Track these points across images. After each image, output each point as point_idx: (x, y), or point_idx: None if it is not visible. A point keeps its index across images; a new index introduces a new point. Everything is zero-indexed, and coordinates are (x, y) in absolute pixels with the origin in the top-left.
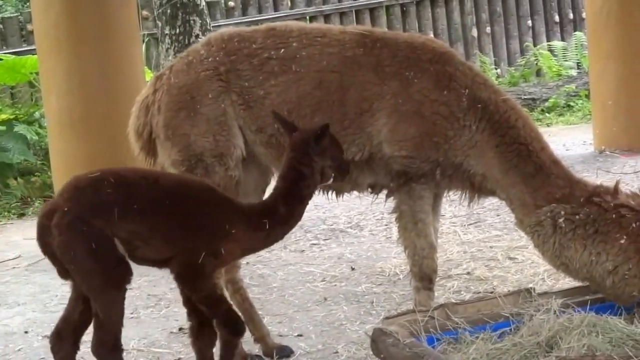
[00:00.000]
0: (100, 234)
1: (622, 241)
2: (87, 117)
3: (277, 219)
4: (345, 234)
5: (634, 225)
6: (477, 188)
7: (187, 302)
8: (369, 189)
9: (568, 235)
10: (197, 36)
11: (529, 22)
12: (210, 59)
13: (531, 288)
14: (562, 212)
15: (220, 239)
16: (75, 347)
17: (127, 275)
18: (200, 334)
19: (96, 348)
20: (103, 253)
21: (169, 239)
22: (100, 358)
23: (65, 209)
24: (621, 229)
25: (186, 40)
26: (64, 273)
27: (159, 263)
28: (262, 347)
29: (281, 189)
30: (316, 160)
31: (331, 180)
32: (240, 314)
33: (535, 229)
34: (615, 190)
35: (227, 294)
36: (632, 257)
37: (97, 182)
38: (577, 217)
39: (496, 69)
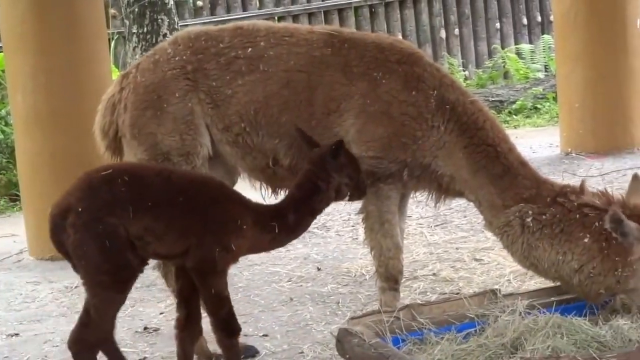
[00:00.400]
0: (114, 233)
1: (586, 240)
2: (54, 115)
3: (285, 224)
4: (311, 235)
5: (596, 224)
6: (444, 189)
7: (180, 293)
8: None
9: (536, 235)
10: (164, 35)
11: (497, 25)
12: (177, 58)
13: (497, 289)
14: (530, 212)
15: (231, 234)
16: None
17: (132, 280)
18: (186, 328)
19: (74, 343)
20: (115, 252)
21: (182, 234)
22: (77, 354)
23: (80, 208)
24: (584, 228)
25: (154, 39)
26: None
27: (169, 258)
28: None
29: (295, 198)
30: (333, 176)
31: (346, 198)
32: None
33: (504, 230)
34: (581, 190)
35: None
36: (596, 255)
37: (111, 180)
38: (543, 217)
39: (464, 70)
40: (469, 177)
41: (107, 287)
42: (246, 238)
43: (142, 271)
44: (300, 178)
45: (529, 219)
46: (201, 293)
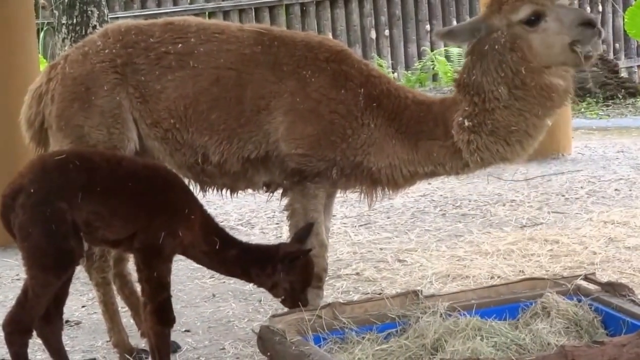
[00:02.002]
0: (61, 218)
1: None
2: None
3: (222, 253)
4: (235, 231)
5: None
6: (384, 182)
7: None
8: (264, 188)
9: (483, 129)
10: (94, 27)
11: (427, 27)
12: (106, 51)
13: (418, 290)
14: (462, 120)
15: (179, 221)
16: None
17: (71, 266)
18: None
19: (8, 323)
20: (59, 237)
21: (130, 219)
22: (9, 335)
23: (32, 190)
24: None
25: (83, 31)
26: None
27: (116, 244)
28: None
29: (247, 249)
30: (278, 273)
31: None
32: (128, 307)
33: (474, 152)
34: None
35: (114, 287)
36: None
37: (63, 165)
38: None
39: (393, 72)
40: (413, 154)
41: (47, 270)
42: (192, 230)
43: (82, 257)
44: (260, 248)
45: (468, 123)
46: (143, 277)
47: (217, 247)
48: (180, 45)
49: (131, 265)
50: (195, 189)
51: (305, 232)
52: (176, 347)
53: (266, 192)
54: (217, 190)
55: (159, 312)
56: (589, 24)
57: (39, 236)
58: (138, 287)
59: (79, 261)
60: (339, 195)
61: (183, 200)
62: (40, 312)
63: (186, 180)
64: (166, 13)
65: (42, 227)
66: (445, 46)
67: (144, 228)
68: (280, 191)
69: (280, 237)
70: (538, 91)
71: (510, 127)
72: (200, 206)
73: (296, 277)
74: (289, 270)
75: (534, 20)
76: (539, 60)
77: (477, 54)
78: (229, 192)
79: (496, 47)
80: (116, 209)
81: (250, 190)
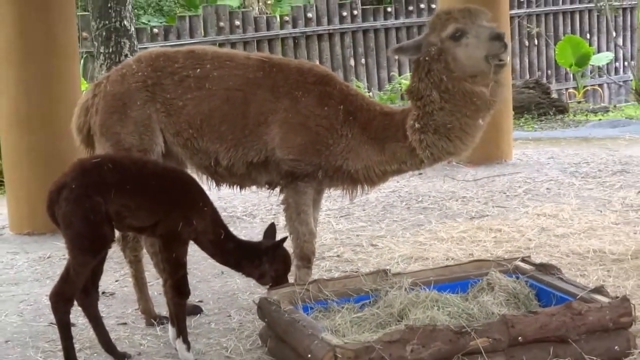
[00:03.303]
0: (98, 209)
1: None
2: (31, 117)
3: (220, 243)
4: (241, 220)
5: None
6: (362, 180)
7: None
8: (266, 186)
9: (429, 128)
10: (126, 55)
11: (396, 57)
12: (140, 73)
13: (387, 269)
14: (412, 122)
15: (194, 212)
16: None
17: (105, 248)
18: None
19: (54, 294)
20: (96, 224)
21: (152, 210)
22: (55, 303)
23: (73, 186)
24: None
25: (117, 58)
26: None
27: (141, 230)
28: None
29: (241, 244)
30: (264, 264)
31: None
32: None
33: (425, 149)
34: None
35: (152, 262)
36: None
37: (99, 166)
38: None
39: (369, 92)
40: (382, 156)
41: (86, 251)
42: (205, 220)
43: (113, 241)
44: (249, 244)
45: (417, 125)
46: (164, 258)
47: (221, 237)
48: (198, 70)
49: None
50: (211, 185)
51: (271, 230)
52: (199, 311)
53: (268, 189)
54: (229, 186)
55: (177, 286)
56: (497, 38)
57: (79, 224)
58: None
59: (111, 244)
60: (324, 192)
61: (196, 195)
62: (80, 286)
63: (203, 178)
64: (184, 44)
65: (82, 216)
66: (410, 72)
67: (165, 217)
68: (279, 188)
69: (278, 224)
70: (461, 96)
71: (447, 126)
72: (211, 202)
73: (279, 264)
74: (272, 260)
75: (458, 36)
76: (462, 69)
77: (416, 65)
78: (238, 188)
79: (427, 58)
80: (142, 202)
81: (255, 188)
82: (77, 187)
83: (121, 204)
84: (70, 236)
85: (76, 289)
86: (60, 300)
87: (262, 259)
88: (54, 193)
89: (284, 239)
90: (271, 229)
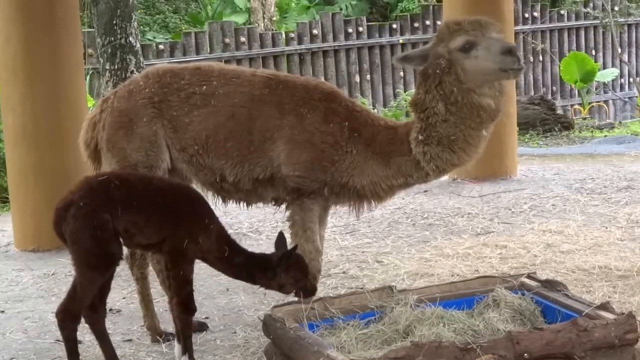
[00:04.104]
0: (105, 226)
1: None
2: (37, 134)
3: (227, 259)
4: (247, 237)
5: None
6: (365, 197)
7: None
8: (273, 202)
9: (432, 140)
10: (132, 72)
11: (401, 73)
12: (147, 90)
13: (393, 286)
14: (416, 135)
15: (199, 230)
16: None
17: (113, 265)
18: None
19: (61, 311)
20: (104, 241)
21: (159, 227)
22: (62, 321)
23: (82, 203)
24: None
25: (123, 75)
26: None
27: (148, 247)
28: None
29: (251, 257)
30: (280, 275)
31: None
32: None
33: (429, 161)
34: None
35: (158, 280)
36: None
37: (106, 184)
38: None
39: (374, 109)
40: (387, 170)
41: (93, 268)
42: (210, 238)
43: (121, 259)
44: (261, 256)
45: (421, 137)
46: (170, 275)
47: (225, 254)
48: (204, 87)
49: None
50: (217, 201)
51: (280, 240)
52: (206, 327)
53: (274, 205)
54: (235, 203)
55: (183, 303)
56: (509, 52)
57: (86, 241)
58: None
59: (119, 262)
60: (331, 209)
61: (203, 213)
62: (87, 303)
63: (209, 194)
64: (190, 60)
65: (89, 234)
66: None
67: (171, 235)
68: (285, 205)
69: None
70: (468, 108)
71: (450, 137)
72: (217, 219)
73: (295, 271)
74: (287, 269)
75: (467, 48)
76: (470, 81)
77: (424, 76)
78: (244, 204)
79: (437, 70)
80: (149, 219)
81: (261, 204)
82: (84, 204)
83: (128, 221)
84: (77, 253)
85: (83, 306)
86: (67, 318)
87: (276, 270)
88: (61, 210)
89: (295, 247)
90: (281, 239)
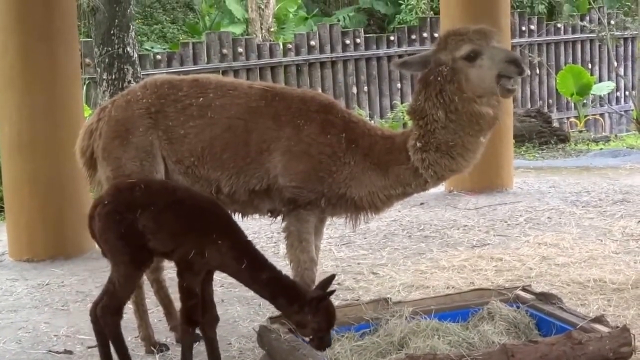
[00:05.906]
0: (129, 224)
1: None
2: (33, 143)
3: (251, 272)
4: None
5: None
6: (362, 208)
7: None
8: (269, 213)
9: (430, 147)
10: (129, 82)
11: (398, 85)
12: (144, 100)
13: (388, 298)
14: (414, 142)
15: (207, 244)
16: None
17: (148, 260)
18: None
19: (101, 308)
20: (130, 238)
21: (171, 235)
22: (102, 318)
23: (106, 202)
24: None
25: (120, 85)
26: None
27: (165, 255)
28: (177, 334)
29: (278, 278)
30: (306, 314)
31: (308, 338)
32: (162, 307)
33: (428, 167)
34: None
35: (152, 289)
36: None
37: (132, 187)
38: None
39: (371, 120)
40: (385, 180)
41: (127, 264)
42: (220, 253)
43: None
44: (291, 283)
45: (419, 144)
46: (179, 284)
47: (243, 266)
48: (201, 98)
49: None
50: None
51: (327, 281)
52: (199, 338)
53: (270, 217)
54: (233, 214)
55: (187, 314)
56: (514, 61)
57: (114, 238)
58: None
59: (152, 259)
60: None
61: (214, 227)
62: (127, 299)
63: None
64: (187, 71)
65: (115, 230)
66: None
67: (180, 246)
68: (281, 216)
69: (278, 253)
70: (468, 116)
71: (449, 143)
72: (235, 233)
73: (322, 317)
74: (315, 312)
75: (472, 57)
76: (472, 90)
77: (424, 83)
78: (240, 215)
79: (439, 77)
80: (162, 227)
81: (257, 216)
82: (109, 202)
83: (144, 225)
84: (109, 251)
85: (123, 302)
86: (108, 314)
87: (304, 308)
88: (92, 210)
89: (331, 292)
90: (328, 280)
